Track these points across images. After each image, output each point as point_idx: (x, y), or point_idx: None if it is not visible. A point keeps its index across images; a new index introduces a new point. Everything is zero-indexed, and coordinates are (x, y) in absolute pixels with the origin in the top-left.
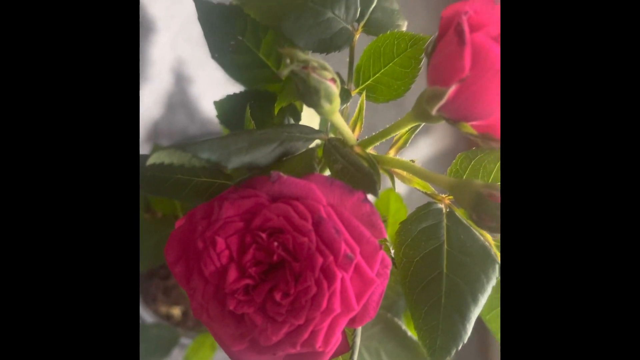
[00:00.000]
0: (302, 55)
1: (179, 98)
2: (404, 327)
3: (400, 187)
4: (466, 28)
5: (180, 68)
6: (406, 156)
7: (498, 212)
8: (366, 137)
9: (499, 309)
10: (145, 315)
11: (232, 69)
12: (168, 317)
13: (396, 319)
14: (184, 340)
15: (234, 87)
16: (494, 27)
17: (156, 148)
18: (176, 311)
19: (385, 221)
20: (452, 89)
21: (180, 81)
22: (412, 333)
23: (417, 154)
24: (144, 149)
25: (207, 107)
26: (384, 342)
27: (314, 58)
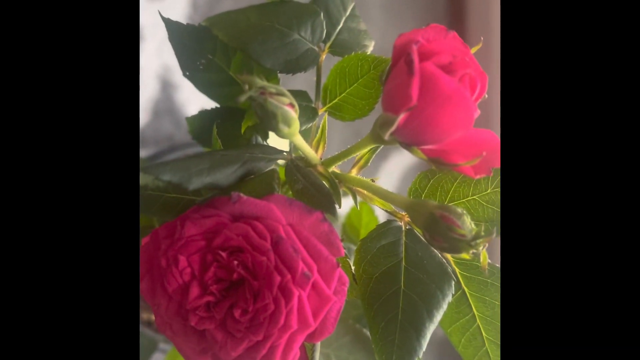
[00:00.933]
0: (259, 81)
1: (165, 105)
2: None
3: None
4: (415, 58)
5: (166, 75)
6: (391, 163)
7: (450, 234)
8: (329, 156)
9: (459, 322)
10: None
11: (204, 86)
12: (149, 323)
13: (365, 330)
14: (163, 346)
15: None
16: (445, 55)
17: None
18: (154, 319)
19: (356, 231)
20: (402, 117)
21: (166, 88)
22: None
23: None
24: None
25: (192, 114)
26: (354, 352)
27: (271, 84)
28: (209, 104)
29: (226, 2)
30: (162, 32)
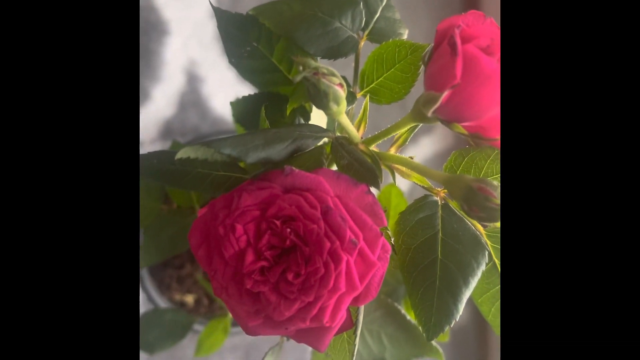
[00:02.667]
0: (313, 62)
1: (191, 97)
2: (403, 311)
3: (402, 185)
4: (458, 40)
5: (192, 69)
6: (409, 153)
7: (487, 204)
8: (369, 135)
9: (489, 293)
10: (160, 302)
11: (247, 73)
12: (182, 304)
13: (396, 304)
14: (196, 327)
15: (243, 87)
16: (484, 38)
17: (175, 143)
18: (189, 299)
19: (386, 212)
20: (445, 94)
21: (192, 81)
22: (410, 317)
23: (419, 153)
24: (157, 147)
25: (217, 106)
26: (385, 325)
27: (323, 65)
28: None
29: None
30: (189, 27)
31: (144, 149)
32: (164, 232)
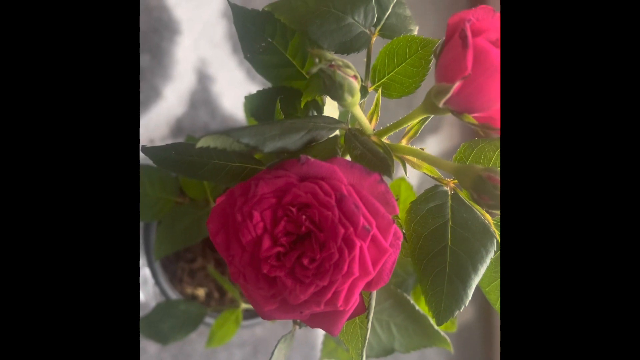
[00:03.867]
0: (328, 55)
1: (201, 96)
2: (412, 302)
3: (411, 179)
4: (469, 33)
5: (202, 68)
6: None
7: (496, 192)
8: (381, 128)
9: (497, 282)
10: (172, 295)
11: (261, 67)
12: (193, 297)
13: (405, 295)
14: (207, 320)
15: (252, 86)
16: (494, 32)
17: (190, 137)
18: (200, 292)
19: (397, 201)
20: (457, 85)
21: (203, 80)
22: (420, 308)
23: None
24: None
25: (227, 104)
26: (394, 315)
27: (339, 57)
28: (241, 95)
29: None
30: (199, 27)
31: None
32: (178, 224)
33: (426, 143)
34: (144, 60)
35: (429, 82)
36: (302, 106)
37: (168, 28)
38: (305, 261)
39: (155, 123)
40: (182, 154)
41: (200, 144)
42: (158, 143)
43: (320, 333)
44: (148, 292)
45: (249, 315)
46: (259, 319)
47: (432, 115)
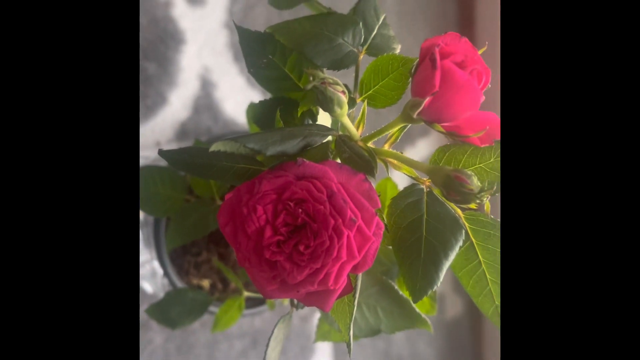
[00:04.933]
0: (321, 74)
1: (204, 101)
2: (396, 288)
3: (397, 180)
4: (438, 57)
5: (205, 75)
6: (407, 153)
7: (461, 189)
8: (367, 134)
9: (467, 267)
10: (180, 285)
11: (263, 80)
12: (199, 287)
13: (391, 282)
14: (212, 308)
15: (252, 92)
16: (459, 55)
17: (197, 142)
18: (205, 283)
19: (380, 197)
20: (427, 100)
21: (206, 86)
22: (403, 293)
23: (416, 153)
24: (173, 147)
25: (228, 109)
26: (380, 300)
27: (329, 76)
28: (242, 100)
29: (258, 9)
30: (203, 37)
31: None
32: (187, 219)
33: (417, 146)
34: (152, 68)
35: (409, 93)
36: (299, 115)
37: (174, 38)
38: (301, 247)
39: (161, 127)
40: (193, 157)
41: (213, 148)
42: (164, 145)
43: (314, 325)
44: (157, 284)
45: (250, 304)
46: (260, 308)
47: (410, 124)
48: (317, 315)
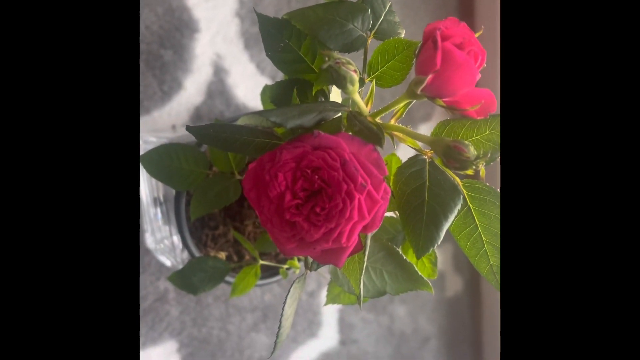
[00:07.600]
0: (335, 54)
1: (217, 87)
2: (401, 253)
3: (401, 155)
4: (439, 39)
5: (218, 62)
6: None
7: (459, 157)
8: (375, 110)
9: (465, 230)
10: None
11: (280, 63)
12: (216, 258)
13: (396, 247)
14: (229, 278)
15: (262, 78)
16: (458, 37)
17: (217, 120)
18: (221, 255)
19: (387, 166)
20: (429, 77)
21: (218, 73)
22: (407, 258)
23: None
24: None
25: (240, 94)
26: (386, 264)
27: (342, 56)
28: (253, 86)
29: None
30: (216, 25)
31: (176, 132)
32: (209, 191)
33: (419, 130)
34: (168, 55)
35: (412, 74)
36: (313, 94)
37: (188, 26)
38: (318, 209)
39: (177, 111)
40: (218, 132)
41: (240, 121)
42: (179, 128)
43: (322, 301)
44: (176, 257)
45: (265, 275)
46: (274, 278)
47: (414, 100)
48: (324, 292)
